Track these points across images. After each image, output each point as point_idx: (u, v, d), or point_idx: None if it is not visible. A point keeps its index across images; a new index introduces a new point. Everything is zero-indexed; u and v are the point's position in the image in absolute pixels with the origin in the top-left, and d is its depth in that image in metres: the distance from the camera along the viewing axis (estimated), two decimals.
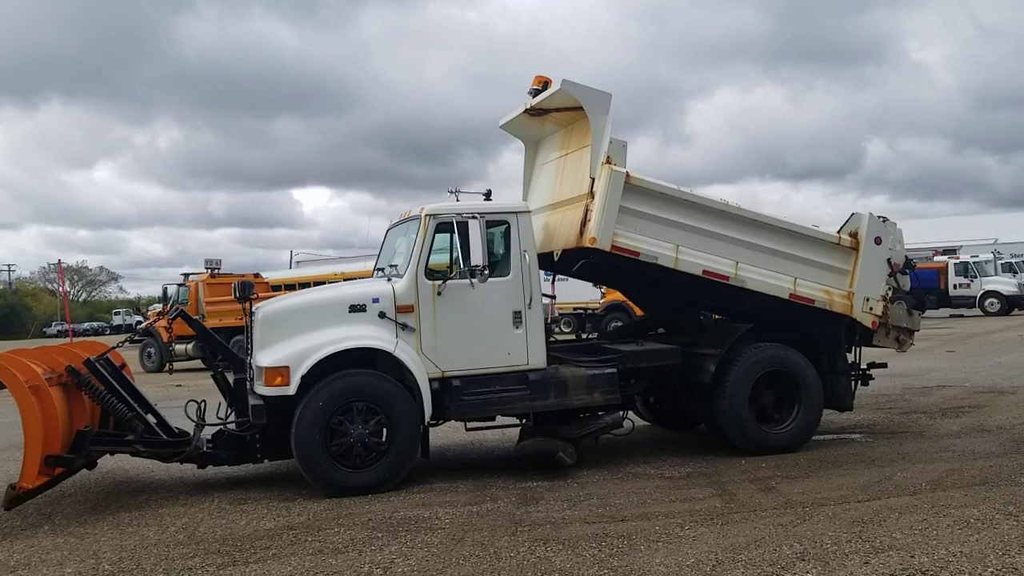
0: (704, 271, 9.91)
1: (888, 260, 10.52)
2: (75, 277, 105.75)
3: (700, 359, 10.19)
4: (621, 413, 9.84)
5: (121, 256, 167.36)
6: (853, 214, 10.71)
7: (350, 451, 8.77)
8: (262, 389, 8.84)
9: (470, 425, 9.75)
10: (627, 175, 9.59)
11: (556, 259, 10.21)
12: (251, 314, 9.47)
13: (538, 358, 9.53)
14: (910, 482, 8.43)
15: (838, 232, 10.58)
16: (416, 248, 9.31)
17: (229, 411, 9.60)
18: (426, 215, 9.35)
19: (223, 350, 10.05)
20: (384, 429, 8.89)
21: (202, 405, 9.43)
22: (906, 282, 11.12)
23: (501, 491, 8.76)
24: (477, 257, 9.04)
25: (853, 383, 10.90)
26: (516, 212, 9.65)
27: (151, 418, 9.26)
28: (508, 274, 9.55)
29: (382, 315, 9.12)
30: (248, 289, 9.57)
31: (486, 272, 9.13)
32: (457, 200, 9.91)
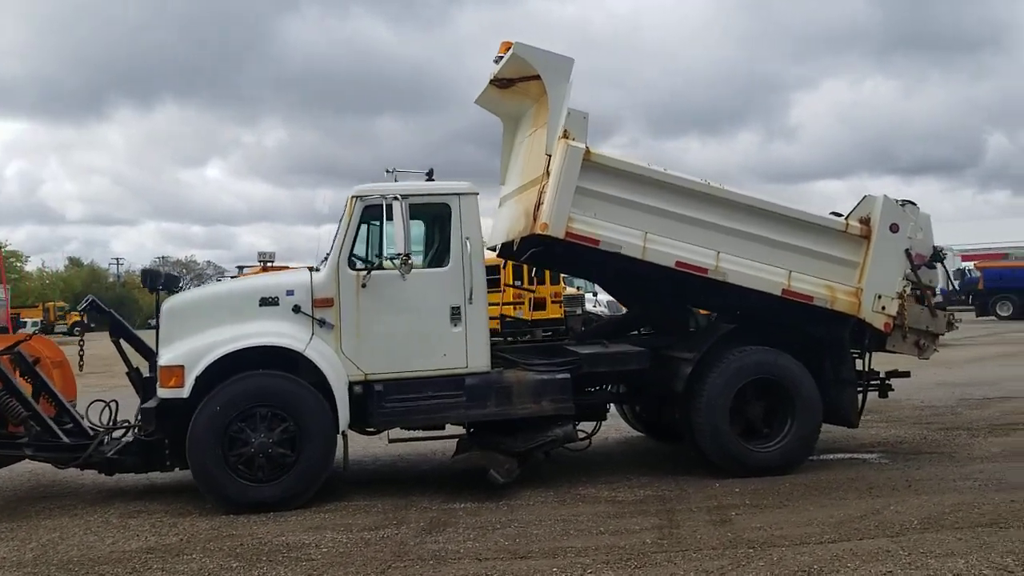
0: (677, 262, 8.53)
1: (907, 251, 8.91)
2: (183, 271, 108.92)
3: (675, 364, 8.82)
4: (571, 426, 8.50)
5: (232, 251, 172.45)
6: (865, 197, 9.14)
7: (251, 462, 7.76)
8: (159, 390, 7.92)
9: (392, 436, 8.61)
10: (586, 151, 8.30)
11: (515, 249, 9.01)
12: (158, 307, 8.55)
13: (479, 360, 8.34)
14: (900, 519, 6.93)
15: (846, 218, 9.03)
16: (339, 234, 8.24)
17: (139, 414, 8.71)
18: (352, 196, 8.26)
19: (139, 345, 9.17)
20: (293, 438, 7.84)
21: (111, 406, 8.58)
22: (936, 277, 9.49)
23: (416, 513, 7.63)
24: (400, 244, 7.90)
25: (861, 395, 9.32)
26: (458, 194, 8.46)
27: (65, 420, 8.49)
28: (447, 264, 8.39)
29: (297, 309, 8.07)
30: (155, 279, 8.66)
31: (410, 261, 7.99)
32: (395, 180, 8.70)
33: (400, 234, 7.89)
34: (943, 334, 9.26)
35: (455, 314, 8.28)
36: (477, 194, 8.58)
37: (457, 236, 8.37)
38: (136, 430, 8.41)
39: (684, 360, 8.74)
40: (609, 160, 8.45)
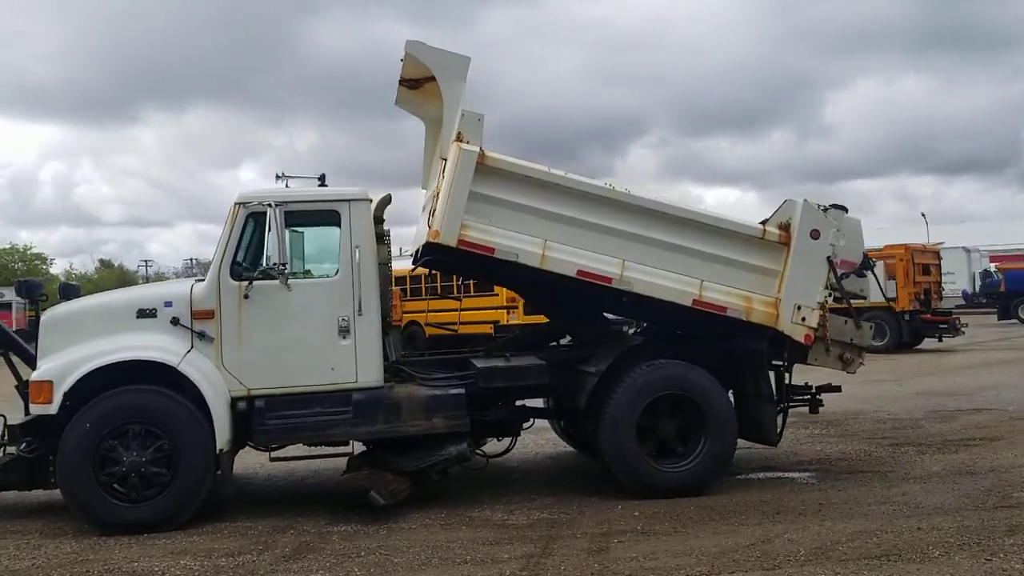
0: (579, 271, 8.09)
1: (828, 259, 8.40)
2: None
3: (581, 378, 8.39)
4: (465, 444, 8.07)
5: None
6: (785, 201, 8.64)
7: (124, 481, 7.45)
8: (30, 407, 7.64)
9: (274, 454, 8.25)
10: (480, 154, 7.90)
11: (417, 257, 8.64)
12: (38, 319, 8.26)
13: (370, 375, 7.96)
14: (788, 548, 6.46)
15: (763, 224, 8.54)
16: (221, 242, 7.91)
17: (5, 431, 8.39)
18: (235, 203, 7.92)
19: (30, 358, 8.88)
20: (168, 456, 7.51)
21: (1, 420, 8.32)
22: (866, 286, 8.98)
23: (291, 536, 7.27)
24: (275, 253, 7.56)
25: (781, 411, 8.82)
26: (347, 200, 8.10)
27: None
28: (335, 274, 8.03)
29: (175, 321, 7.75)
30: (34, 290, 8.38)
31: (284, 271, 7.65)
32: (286, 186, 8.38)
33: (275, 243, 7.55)
34: (869, 347, 8.74)
35: (343, 326, 7.91)
36: (369, 200, 8.22)
37: (347, 244, 8.00)
38: (20, 446, 8.11)
39: (588, 374, 8.30)
40: (505, 164, 8.03)
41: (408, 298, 27.25)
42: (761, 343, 8.47)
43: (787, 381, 8.82)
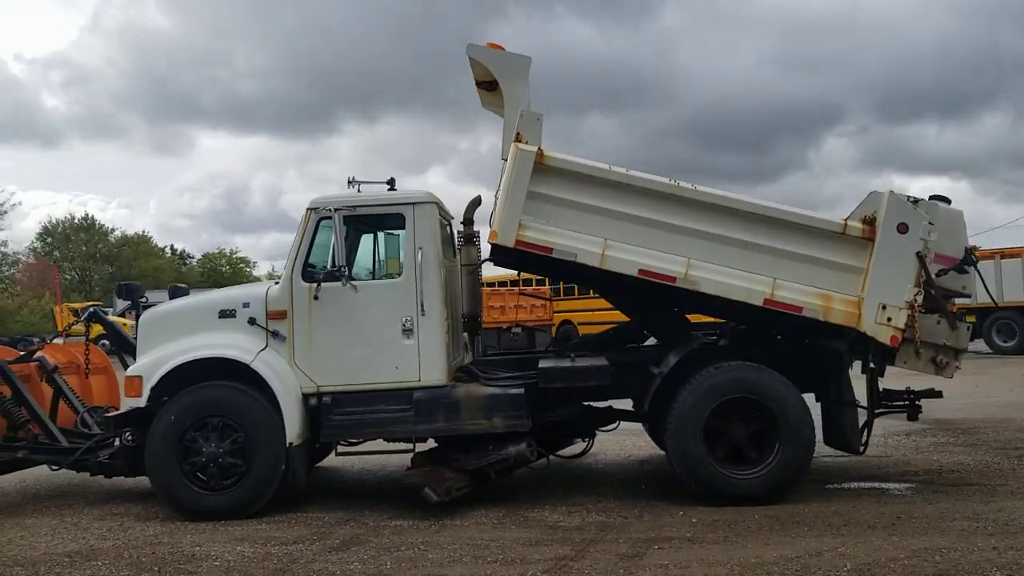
0: (641, 271, 7.90)
1: (918, 254, 7.77)
2: None
3: (648, 380, 8.18)
4: (524, 444, 8.05)
5: None
6: (871, 193, 8.06)
7: (204, 471, 7.97)
8: (125, 400, 8.31)
9: (341, 449, 8.53)
10: (539, 153, 7.88)
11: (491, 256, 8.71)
12: (139, 319, 8.95)
13: (433, 374, 8.11)
14: (832, 564, 6.07)
15: (845, 219, 8.00)
16: (294, 245, 8.29)
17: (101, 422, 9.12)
18: (307, 208, 8.29)
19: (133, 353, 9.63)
20: (244, 448, 7.96)
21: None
22: (969, 283, 8.24)
23: (349, 528, 7.55)
24: (337, 256, 7.87)
25: (869, 417, 8.24)
26: (412, 203, 8.28)
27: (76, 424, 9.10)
28: (399, 276, 8.23)
29: (252, 321, 8.20)
30: (133, 293, 9.07)
31: (345, 273, 7.92)
32: (358, 191, 8.64)
33: (337, 246, 7.85)
34: (966, 349, 8.00)
35: (407, 326, 8.11)
36: (434, 203, 8.37)
37: (410, 246, 8.19)
38: (124, 436, 8.81)
39: (653, 376, 8.09)
40: (565, 163, 7.96)
41: (561, 297, 27.34)
42: (841, 344, 7.96)
43: (876, 385, 8.24)
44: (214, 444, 7.95)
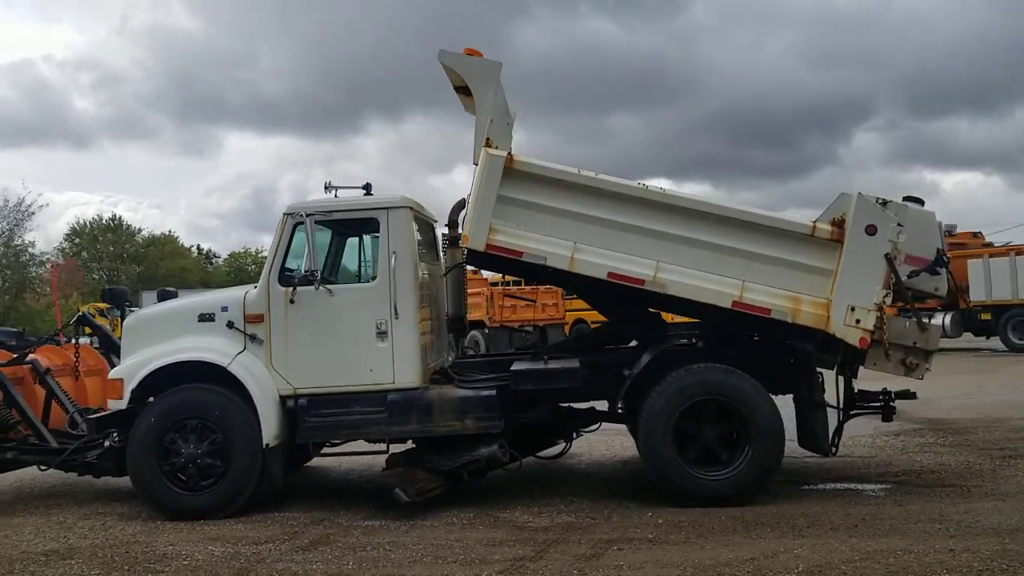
0: (610, 273, 7.98)
1: (887, 256, 7.78)
2: None
3: (620, 383, 8.26)
4: (496, 446, 8.14)
5: None
6: (840, 195, 8.07)
7: (183, 471, 8.14)
8: (108, 402, 8.51)
9: (325, 450, 8.68)
10: (508, 158, 7.97)
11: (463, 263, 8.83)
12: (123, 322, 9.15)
13: (407, 376, 8.23)
14: (785, 564, 6.13)
15: (814, 221, 8.02)
16: (271, 250, 8.44)
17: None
18: (284, 213, 8.44)
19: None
20: (222, 450, 8.13)
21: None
22: (941, 284, 8.23)
23: (322, 528, 7.69)
24: (307, 260, 8.01)
25: (842, 418, 8.27)
26: (386, 208, 8.40)
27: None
28: (373, 279, 8.36)
29: (230, 325, 8.36)
30: (119, 297, 9.27)
31: (317, 277, 8.06)
32: (335, 196, 8.76)
33: (308, 251, 8.00)
34: (935, 350, 8.00)
35: (381, 329, 8.23)
36: (408, 208, 8.48)
37: (384, 250, 8.31)
38: (113, 438, 9.00)
39: (624, 378, 8.16)
40: (534, 167, 8.05)
41: (574, 296, 27.38)
42: (808, 346, 7.99)
43: (850, 387, 8.27)
44: (192, 445, 8.12)
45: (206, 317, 8.45)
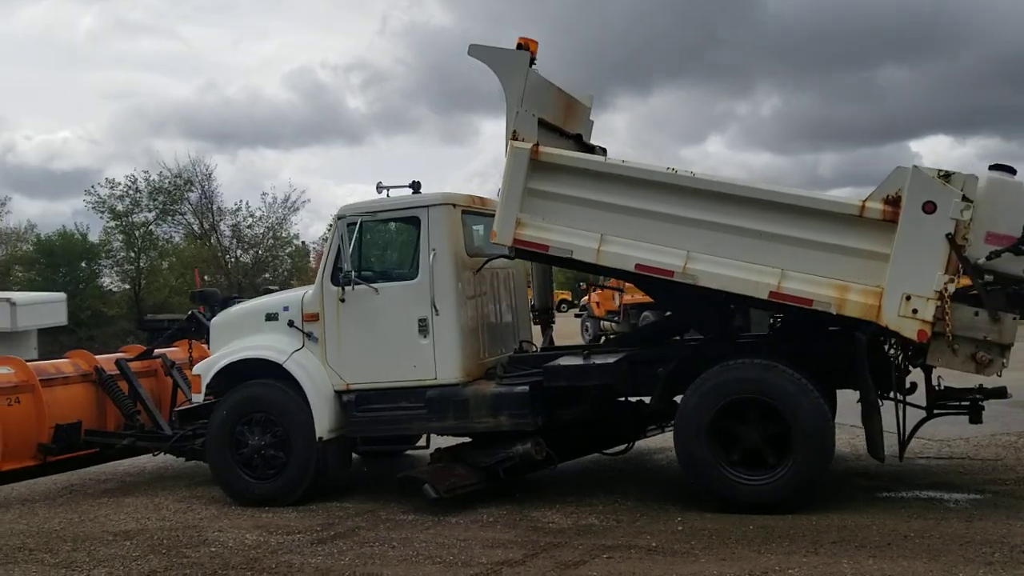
0: (637, 265, 7.58)
1: (948, 236, 6.78)
2: None
3: (657, 379, 7.82)
4: (530, 444, 7.95)
5: None
6: (896, 169, 7.11)
7: (251, 461, 8.70)
8: (193, 396, 9.25)
9: (362, 446, 8.87)
10: (533, 150, 7.78)
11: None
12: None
13: (448, 372, 8.27)
14: None
15: (863, 200, 7.14)
16: (325, 250, 8.78)
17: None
18: (336, 216, 8.75)
19: None
20: (284, 441, 8.59)
21: None
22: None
23: (355, 521, 7.92)
24: (345, 261, 8.25)
25: (901, 418, 7.32)
26: (426, 206, 8.46)
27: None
28: (415, 277, 8.46)
29: (291, 323, 8.79)
30: (209, 299, 9.97)
31: (351, 276, 8.28)
32: (387, 195, 8.92)
33: (345, 252, 8.24)
34: (1011, 344, 6.85)
35: (423, 326, 8.32)
36: (449, 205, 8.48)
37: (424, 248, 8.38)
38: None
39: (659, 375, 7.72)
40: (560, 157, 7.80)
41: None
42: (860, 338, 7.15)
43: (926, 384, 7.34)
44: (258, 437, 8.64)
45: (271, 316, 8.95)
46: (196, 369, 9.14)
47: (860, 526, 6.74)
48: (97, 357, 10.43)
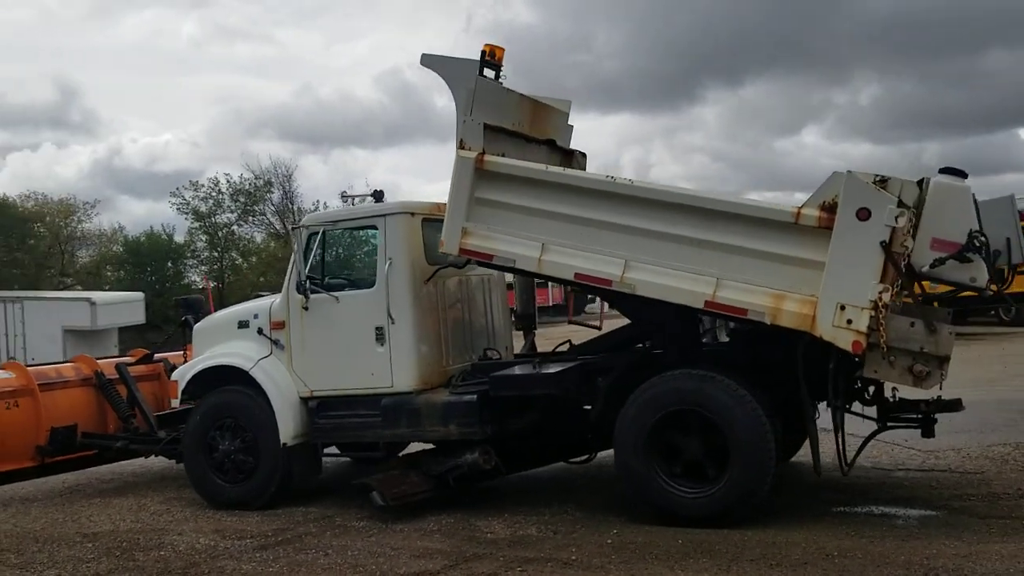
0: (576, 274, 7.52)
1: (882, 244, 6.52)
2: None
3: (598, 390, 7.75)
4: (477, 453, 7.95)
5: None
6: (833, 174, 6.87)
7: (223, 466, 8.95)
8: (172, 401, 9.57)
9: (328, 451, 9.00)
10: (478, 159, 7.78)
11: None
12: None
13: (405, 380, 8.35)
14: None
15: (798, 207, 6.91)
16: (291, 260, 8.96)
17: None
18: (299, 226, 8.95)
19: None
20: (252, 447, 8.81)
21: None
22: (978, 273, 6.73)
23: (306, 526, 8.08)
24: (301, 270, 8.42)
25: (837, 434, 7.06)
26: (383, 215, 8.55)
27: None
28: (373, 286, 8.56)
29: (260, 331, 9.00)
30: (193, 306, 10.26)
31: (305, 287, 8.43)
32: (353, 204, 9.06)
33: (298, 261, 8.41)
34: (948, 356, 6.53)
35: (379, 334, 8.41)
36: (408, 214, 8.55)
37: (381, 257, 8.47)
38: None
39: (598, 387, 7.64)
40: (503, 166, 7.77)
41: None
42: (793, 351, 6.94)
43: (833, 396, 7.03)
44: (228, 442, 8.89)
45: (243, 324, 9.17)
46: (174, 375, 9.45)
47: (790, 543, 6.55)
48: (99, 361, 10.87)
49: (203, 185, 50.72)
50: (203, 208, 50.83)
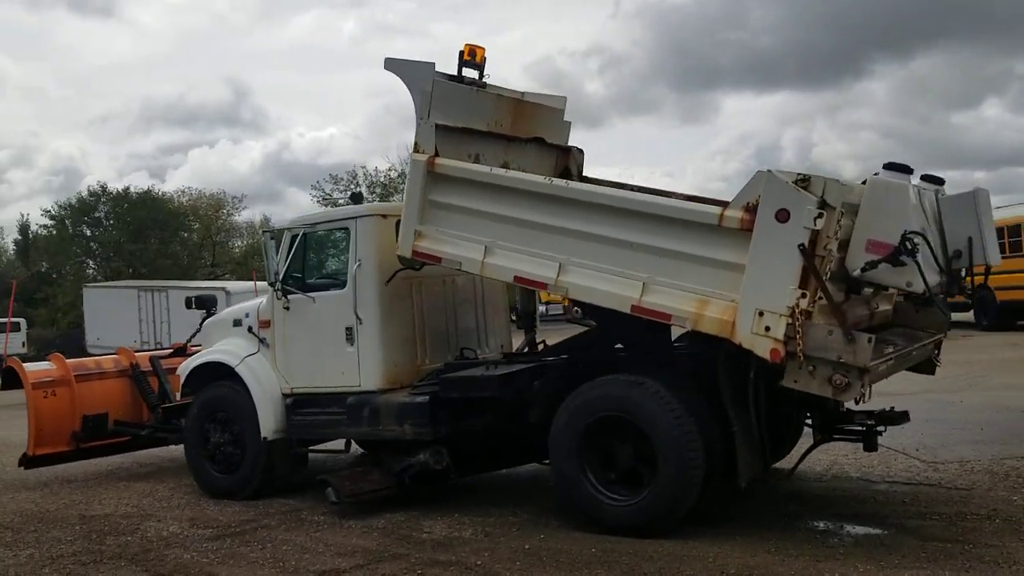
0: (516, 277, 7.50)
1: (801, 248, 6.16)
2: None
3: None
4: (428, 454, 8.00)
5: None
6: (756, 173, 6.53)
7: (215, 457, 9.40)
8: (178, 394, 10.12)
9: (307, 447, 9.24)
10: (429, 161, 7.86)
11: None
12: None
13: (371, 379, 8.52)
14: None
15: (723, 207, 6.62)
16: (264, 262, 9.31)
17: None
18: (280, 228, 9.28)
19: None
20: (240, 440, 9.22)
21: None
22: (912, 277, 6.29)
23: (269, 519, 8.36)
24: (270, 272, 8.73)
25: (760, 443, 6.70)
26: (354, 217, 8.75)
27: None
28: (344, 287, 8.77)
29: (250, 329, 9.40)
30: (206, 303, 10.75)
31: (277, 287, 8.73)
32: (335, 207, 9.28)
33: (271, 263, 8.72)
34: (866, 367, 6.07)
35: (349, 334, 8.62)
36: (380, 215, 8.71)
37: (352, 258, 8.67)
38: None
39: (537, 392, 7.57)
40: (452, 168, 7.80)
41: None
42: (716, 358, 6.66)
43: (753, 408, 6.67)
44: (219, 434, 9.33)
45: (237, 322, 9.60)
46: (178, 370, 9.98)
47: (696, 557, 6.30)
48: (137, 354, 11.60)
49: (342, 178, 52.65)
50: (342, 201, 52.76)
